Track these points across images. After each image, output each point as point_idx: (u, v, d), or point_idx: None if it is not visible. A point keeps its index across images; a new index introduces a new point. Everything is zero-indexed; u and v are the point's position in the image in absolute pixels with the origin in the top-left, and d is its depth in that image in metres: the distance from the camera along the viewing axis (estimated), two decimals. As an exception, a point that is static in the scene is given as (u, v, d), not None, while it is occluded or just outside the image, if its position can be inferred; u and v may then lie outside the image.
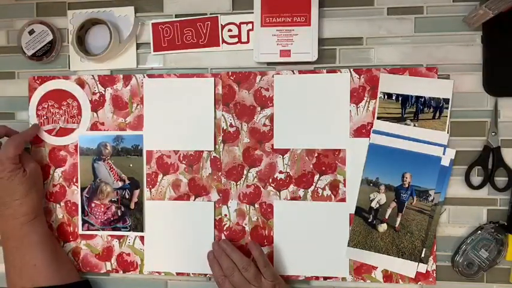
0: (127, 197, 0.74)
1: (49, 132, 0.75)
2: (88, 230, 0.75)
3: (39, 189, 0.71)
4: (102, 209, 0.74)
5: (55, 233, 0.75)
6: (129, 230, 0.74)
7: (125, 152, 0.74)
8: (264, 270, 0.66)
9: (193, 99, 0.73)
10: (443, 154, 0.68)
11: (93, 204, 0.74)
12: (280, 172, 0.72)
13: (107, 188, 0.74)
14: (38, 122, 0.75)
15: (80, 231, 0.75)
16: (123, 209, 0.74)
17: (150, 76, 0.74)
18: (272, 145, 0.72)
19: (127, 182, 0.74)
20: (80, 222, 0.75)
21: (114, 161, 0.74)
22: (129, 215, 0.74)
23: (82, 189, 0.75)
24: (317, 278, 0.71)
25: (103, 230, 0.74)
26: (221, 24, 0.73)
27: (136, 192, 0.74)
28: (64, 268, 0.71)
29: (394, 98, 0.69)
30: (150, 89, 0.73)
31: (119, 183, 0.74)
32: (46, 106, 0.75)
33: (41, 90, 0.75)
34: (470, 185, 0.69)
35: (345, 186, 0.71)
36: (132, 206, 0.74)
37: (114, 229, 0.74)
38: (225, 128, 0.72)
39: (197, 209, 0.73)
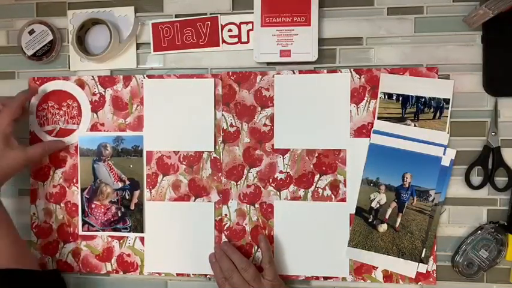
0: (127, 197, 0.74)
1: (49, 133, 0.75)
2: (88, 230, 0.75)
3: None
4: (102, 210, 0.74)
5: (55, 234, 0.75)
6: (129, 231, 0.74)
7: (125, 153, 0.74)
8: (266, 267, 0.67)
9: (193, 100, 0.73)
10: (444, 154, 0.68)
11: (93, 205, 0.74)
12: (281, 172, 0.72)
13: (107, 189, 0.74)
14: (38, 123, 0.75)
15: (80, 232, 0.75)
16: (123, 210, 0.74)
17: (150, 77, 0.74)
18: (272, 145, 0.72)
19: (127, 182, 0.74)
20: (80, 223, 0.75)
21: (114, 161, 0.74)
22: (129, 216, 0.74)
23: (82, 190, 0.74)
24: (317, 278, 0.71)
25: (103, 230, 0.74)
26: (221, 24, 0.73)
27: (137, 193, 0.74)
28: (28, 253, 0.69)
29: (394, 98, 0.69)
30: (150, 89, 0.73)
31: (119, 184, 0.74)
32: (46, 107, 0.75)
33: (41, 91, 0.75)
34: (470, 185, 0.69)
35: (345, 186, 0.71)
36: (132, 206, 0.74)
37: (114, 230, 0.74)
38: (225, 127, 0.72)
39: (197, 209, 0.73)
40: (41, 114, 0.75)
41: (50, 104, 0.75)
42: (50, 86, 0.75)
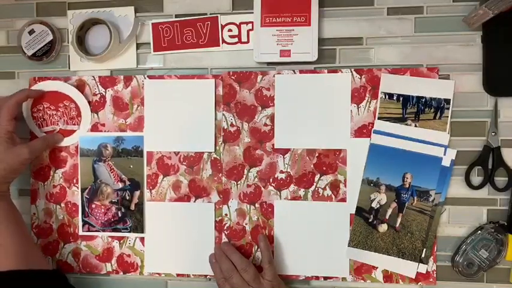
0: (127, 198, 0.74)
1: (49, 133, 0.74)
2: (88, 231, 0.75)
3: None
4: (103, 210, 0.74)
5: (55, 234, 0.75)
6: (130, 231, 0.74)
7: (125, 153, 0.74)
8: (266, 267, 0.67)
9: (194, 101, 0.73)
10: (444, 155, 0.68)
11: (93, 205, 0.74)
12: (281, 172, 0.72)
13: (107, 189, 0.74)
14: (36, 124, 0.74)
15: (80, 232, 0.75)
16: (123, 210, 0.74)
17: (150, 77, 0.74)
18: (273, 145, 0.72)
19: (127, 183, 0.74)
20: (80, 223, 0.75)
21: (114, 162, 0.74)
22: (129, 216, 0.74)
23: (82, 190, 0.74)
24: (317, 278, 0.71)
25: (103, 231, 0.74)
26: (221, 24, 0.73)
27: (137, 193, 0.74)
28: (33, 253, 0.68)
29: (395, 98, 0.69)
30: (151, 90, 0.73)
31: (119, 184, 0.74)
32: (41, 108, 0.74)
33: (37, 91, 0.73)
34: (470, 185, 0.69)
35: (345, 186, 0.71)
36: (133, 207, 0.74)
37: (114, 230, 0.74)
38: (225, 127, 0.72)
39: (198, 210, 0.73)
40: (37, 116, 0.74)
41: (45, 105, 0.74)
42: (43, 87, 0.74)
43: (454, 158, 0.68)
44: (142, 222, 0.74)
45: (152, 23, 0.73)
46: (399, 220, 0.69)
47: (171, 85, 0.73)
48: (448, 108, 0.68)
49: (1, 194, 0.68)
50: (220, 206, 0.73)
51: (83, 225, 0.75)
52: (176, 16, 0.74)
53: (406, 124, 0.69)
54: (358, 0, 0.71)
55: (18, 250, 0.65)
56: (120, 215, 0.74)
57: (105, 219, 0.74)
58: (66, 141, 0.75)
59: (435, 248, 0.69)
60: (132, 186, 0.74)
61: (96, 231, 0.74)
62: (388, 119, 0.69)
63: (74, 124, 0.74)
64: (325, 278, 0.71)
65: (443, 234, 0.70)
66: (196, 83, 0.73)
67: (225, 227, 0.73)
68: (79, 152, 0.74)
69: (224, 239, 0.73)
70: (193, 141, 0.73)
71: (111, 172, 0.74)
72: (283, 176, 0.72)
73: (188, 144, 0.73)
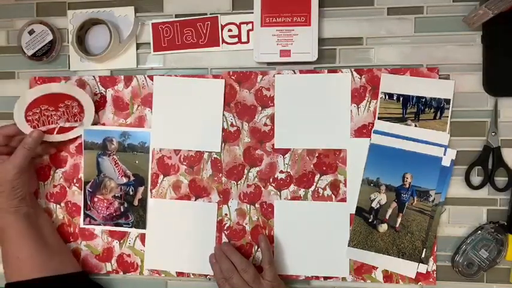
0: (131, 193, 0.74)
1: (50, 132, 0.72)
2: (90, 224, 0.74)
3: (25, 182, 0.68)
4: (105, 204, 0.74)
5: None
6: (131, 227, 0.74)
7: (131, 149, 0.73)
8: (266, 268, 0.67)
9: (202, 101, 0.72)
10: (444, 155, 0.68)
11: (95, 199, 0.74)
12: (281, 172, 0.72)
13: (111, 184, 0.74)
14: (30, 126, 0.70)
15: (81, 225, 0.74)
16: (126, 205, 0.74)
17: (151, 77, 0.73)
18: (273, 145, 0.72)
19: (132, 178, 0.74)
20: (81, 217, 0.74)
21: (119, 156, 0.74)
22: (132, 212, 0.74)
23: (85, 183, 0.74)
24: (317, 278, 0.71)
25: (105, 225, 0.74)
26: (221, 24, 0.73)
27: (141, 189, 0.73)
28: (55, 259, 0.69)
29: (395, 98, 0.69)
30: (160, 87, 0.73)
31: (123, 179, 0.74)
32: (38, 111, 0.70)
33: (30, 96, 0.70)
34: (470, 185, 0.69)
35: (345, 186, 0.71)
36: (136, 202, 0.74)
37: (116, 225, 0.74)
38: (225, 127, 0.72)
39: (200, 209, 0.73)
40: (32, 118, 0.70)
41: (43, 108, 0.70)
42: (42, 90, 0.70)
43: (454, 158, 0.68)
44: (144, 219, 0.73)
45: (152, 23, 0.73)
46: (399, 220, 0.69)
47: (180, 84, 0.73)
48: (448, 108, 0.68)
49: (14, 209, 0.67)
50: (220, 206, 0.73)
51: (84, 218, 0.74)
52: (176, 16, 0.74)
53: (406, 124, 0.69)
54: (358, 0, 0.71)
55: (36, 261, 0.66)
56: (122, 209, 0.74)
57: (107, 213, 0.74)
58: (68, 136, 0.72)
59: (435, 248, 0.70)
60: (136, 181, 0.73)
61: (97, 224, 0.74)
62: (388, 119, 0.69)
63: (76, 120, 0.72)
64: (325, 278, 0.71)
65: (443, 234, 0.70)
66: (205, 82, 0.72)
67: (225, 227, 0.73)
68: (83, 144, 0.74)
69: (224, 239, 0.73)
70: (199, 141, 0.72)
71: (116, 166, 0.74)
72: (283, 176, 0.72)
73: (194, 143, 0.72)
